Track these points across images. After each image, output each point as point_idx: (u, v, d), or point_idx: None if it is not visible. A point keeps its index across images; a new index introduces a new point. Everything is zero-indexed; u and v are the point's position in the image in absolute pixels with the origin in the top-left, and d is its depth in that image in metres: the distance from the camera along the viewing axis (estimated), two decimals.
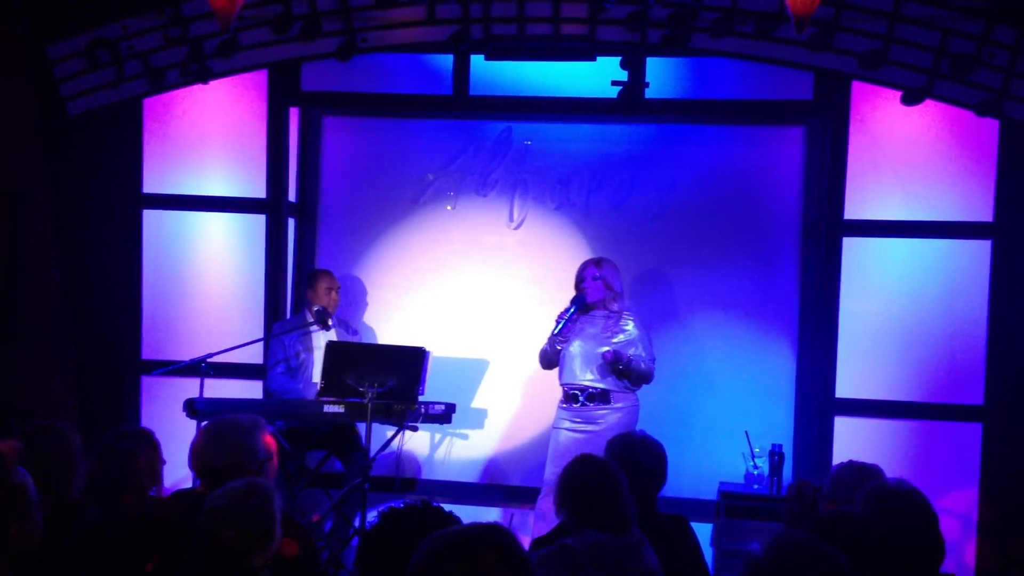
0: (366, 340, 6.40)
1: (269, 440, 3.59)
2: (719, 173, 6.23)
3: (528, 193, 6.42)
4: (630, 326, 5.54)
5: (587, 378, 5.51)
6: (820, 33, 5.38)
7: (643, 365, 5.46)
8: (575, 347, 5.54)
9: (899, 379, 5.73)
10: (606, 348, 5.46)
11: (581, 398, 5.51)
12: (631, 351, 5.45)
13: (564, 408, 5.58)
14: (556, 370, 5.68)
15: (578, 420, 5.51)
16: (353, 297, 6.55)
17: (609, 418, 5.47)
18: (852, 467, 3.70)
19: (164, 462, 3.97)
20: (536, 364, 5.82)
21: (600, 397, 5.49)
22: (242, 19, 5.64)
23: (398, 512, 2.54)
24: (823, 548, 2.36)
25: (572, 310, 5.53)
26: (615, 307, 5.59)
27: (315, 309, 5.97)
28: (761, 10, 5.43)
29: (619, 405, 5.49)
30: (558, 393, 5.66)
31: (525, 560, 2.01)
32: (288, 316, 6.26)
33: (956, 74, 5.34)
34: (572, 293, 5.72)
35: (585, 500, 3.33)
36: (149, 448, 3.88)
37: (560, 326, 5.51)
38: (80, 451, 3.69)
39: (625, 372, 5.41)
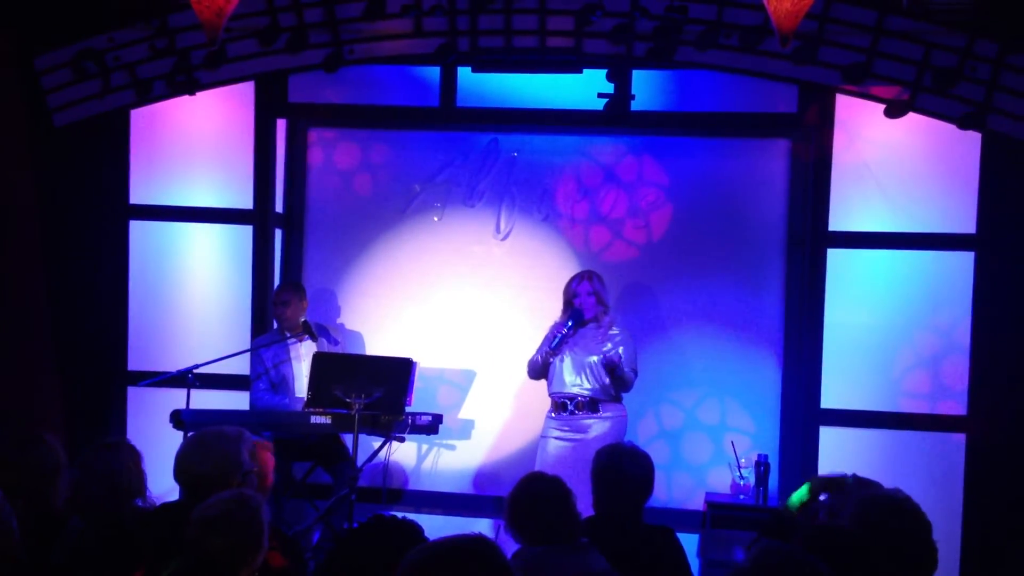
0: (354, 346, 6.41)
1: (265, 455, 3.59)
2: (704, 185, 6.26)
3: (515, 204, 6.44)
4: (618, 337, 5.57)
5: (576, 386, 5.54)
6: (804, 46, 5.42)
7: (629, 372, 5.50)
8: (567, 357, 5.58)
9: (884, 390, 5.76)
10: (595, 358, 5.51)
11: (570, 406, 5.54)
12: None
13: (552, 417, 5.61)
14: (543, 380, 5.70)
15: (566, 429, 5.54)
16: (340, 308, 6.55)
17: (597, 427, 5.50)
18: (855, 480, 3.72)
19: (145, 473, 3.96)
20: (523, 374, 5.85)
21: (589, 406, 5.52)
22: (229, 31, 5.65)
23: (355, 531, 2.58)
24: (806, 558, 2.39)
25: (570, 325, 5.56)
26: (605, 319, 5.63)
27: (301, 320, 5.98)
28: (746, 24, 5.47)
29: (607, 415, 5.53)
30: (545, 403, 5.69)
31: (507, 570, 2.03)
32: (275, 327, 6.25)
33: (939, 87, 5.39)
34: (559, 303, 5.74)
35: (533, 516, 3.36)
36: (131, 459, 3.87)
37: (557, 341, 5.54)
38: (65, 463, 3.68)
39: (617, 377, 5.45)
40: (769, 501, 5.69)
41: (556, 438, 5.55)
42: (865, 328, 5.78)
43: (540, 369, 5.68)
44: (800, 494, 3.60)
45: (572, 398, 5.54)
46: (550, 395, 5.65)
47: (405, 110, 6.27)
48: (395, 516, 2.63)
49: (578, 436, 5.50)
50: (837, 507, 3.58)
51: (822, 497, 3.64)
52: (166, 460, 3.64)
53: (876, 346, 5.77)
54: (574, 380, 5.55)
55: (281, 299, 6.02)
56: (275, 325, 6.16)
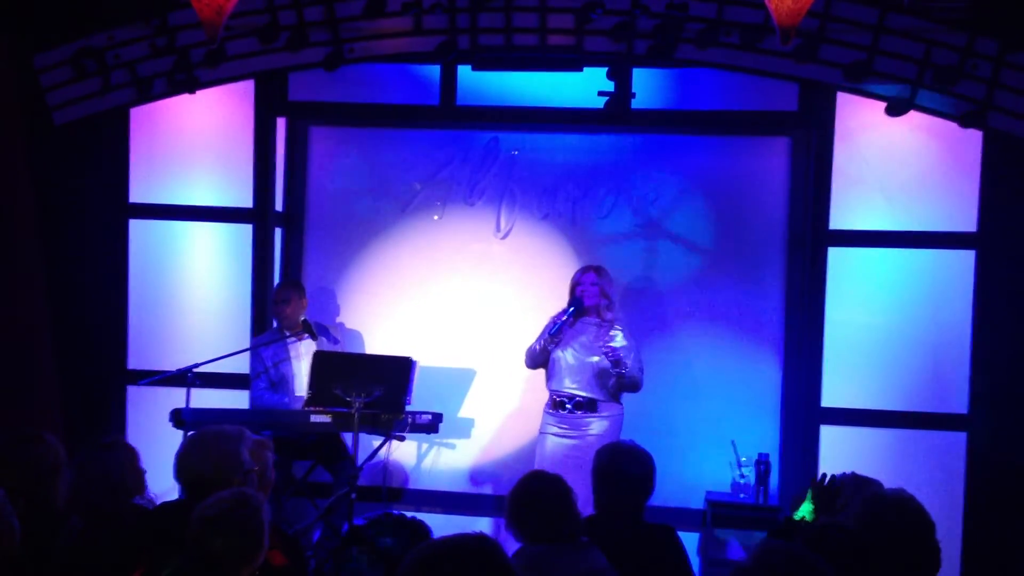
0: (354, 345, 6.41)
1: (264, 453, 3.59)
2: (705, 183, 6.25)
3: (515, 202, 6.43)
4: (620, 336, 5.56)
5: (576, 387, 5.54)
6: (805, 44, 5.42)
7: (636, 372, 5.49)
8: (567, 355, 5.57)
9: (884, 388, 5.76)
10: (596, 358, 5.49)
11: (568, 405, 5.54)
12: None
13: (551, 413, 5.61)
14: (543, 375, 5.71)
15: (564, 426, 5.54)
16: (339, 306, 6.55)
17: (596, 426, 5.51)
18: (854, 479, 3.72)
19: (144, 471, 3.96)
20: (524, 373, 5.84)
21: (587, 406, 5.52)
22: (229, 29, 5.65)
23: (363, 528, 2.58)
24: (808, 556, 2.38)
25: (571, 311, 5.56)
26: (608, 316, 5.62)
27: (301, 319, 5.98)
28: (746, 21, 5.47)
29: (605, 414, 5.53)
30: (544, 402, 5.68)
31: (509, 569, 2.03)
32: (275, 325, 6.24)
33: (940, 85, 5.39)
34: (559, 302, 5.74)
35: (534, 515, 3.36)
36: (128, 458, 3.88)
37: (556, 329, 5.54)
38: (65, 462, 3.68)
39: (621, 376, 5.43)
40: (770, 500, 5.69)
41: (554, 435, 5.56)
42: (866, 327, 5.78)
43: (538, 357, 5.67)
44: (807, 508, 3.59)
45: (571, 398, 5.54)
46: (549, 391, 5.65)
47: (405, 108, 6.26)
48: (403, 515, 2.63)
49: (577, 434, 5.50)
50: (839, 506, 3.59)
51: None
52: (166, 459, 3.63)
53: (877, 345, 5.76)
54: (574, 380, 5.54)
55: (281, 297, 6.02)
56: (275, 324, 6.15)
